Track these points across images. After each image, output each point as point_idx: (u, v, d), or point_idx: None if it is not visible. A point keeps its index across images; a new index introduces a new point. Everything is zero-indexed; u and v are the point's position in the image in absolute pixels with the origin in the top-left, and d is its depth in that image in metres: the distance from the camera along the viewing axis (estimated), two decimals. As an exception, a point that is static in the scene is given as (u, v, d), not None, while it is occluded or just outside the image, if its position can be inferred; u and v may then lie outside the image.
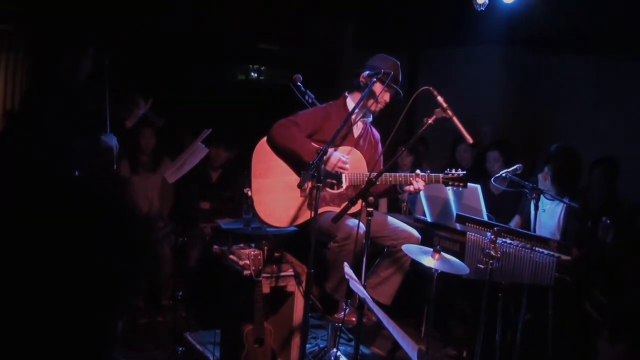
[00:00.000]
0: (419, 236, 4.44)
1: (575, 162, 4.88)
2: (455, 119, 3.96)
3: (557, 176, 4.76)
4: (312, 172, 3.91)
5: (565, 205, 4.77)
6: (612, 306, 4.46)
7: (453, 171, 4.33)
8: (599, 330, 4.48)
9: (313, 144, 4.28)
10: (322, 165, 3.98)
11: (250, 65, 8.67)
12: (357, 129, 4.56)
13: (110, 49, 5.20)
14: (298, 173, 4.38)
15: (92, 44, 4.88)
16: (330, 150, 4.19)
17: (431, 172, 4.34)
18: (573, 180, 4.86)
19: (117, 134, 5.05)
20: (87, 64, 4.86)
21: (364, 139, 4.58)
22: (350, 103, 4.49)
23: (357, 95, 4.46)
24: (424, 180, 4.28)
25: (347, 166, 4.28)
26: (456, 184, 4.30)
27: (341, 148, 4.39)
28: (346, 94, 4.58)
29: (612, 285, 4.52)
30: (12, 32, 6.47)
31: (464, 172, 4.32)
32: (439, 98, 3.96)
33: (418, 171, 4.31)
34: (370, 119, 4.58)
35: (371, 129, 4.66)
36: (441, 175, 4.32)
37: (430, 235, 5.07)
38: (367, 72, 4.40)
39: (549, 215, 4.89)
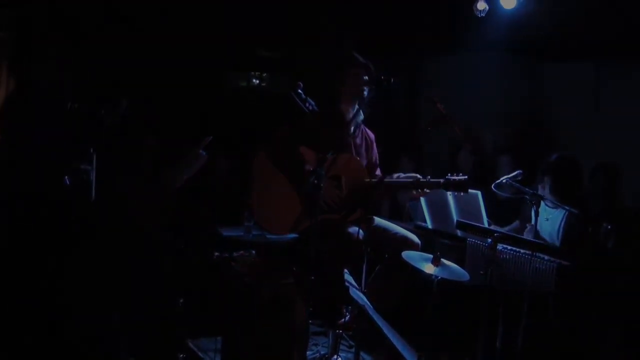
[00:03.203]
0: (419, 242, 4.44)
1: (574, 172, 4.85)
2: (451, 123, 3.97)
3: (556, 187, 4.74)
4: (312, 179, 3.93)
5: (566, 212, 4.76)
6: (616, 311, 4.45)
7: (454, 177, 4.31)
8: (604, 336, 4.47)
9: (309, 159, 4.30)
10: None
11: (252, 72, 8.68)
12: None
13: (109, 58, 5.20)
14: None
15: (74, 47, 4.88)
16: None
17: (432, 178, 4.33)
18: (572, 190, 4.83)
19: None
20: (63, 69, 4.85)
21: (360, 139, 4.57)
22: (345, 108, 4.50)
23: (348, 99, 4.47)
24: (425, 187, 4.26)
25: None
26: (457, 188, 4.28)
27: (341, 156, 4.39)
28: None
29: (613, 291, 4.52)
30: (8, 40, 6.49)
31: (465, 176, 4.30)
32: (439, 105, 3.98)
33: (418, 175, 4.30)
34: (362, 117, 4.55)
35: (365, 130, 4.64)
36: (442, 180, 4.30)
37: (431, 242, 5.07)
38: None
39: (550, 222, 4.88)
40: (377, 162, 4.48)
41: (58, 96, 4.80)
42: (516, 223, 5.34)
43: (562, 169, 4.80)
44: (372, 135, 4.68)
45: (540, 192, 4.80)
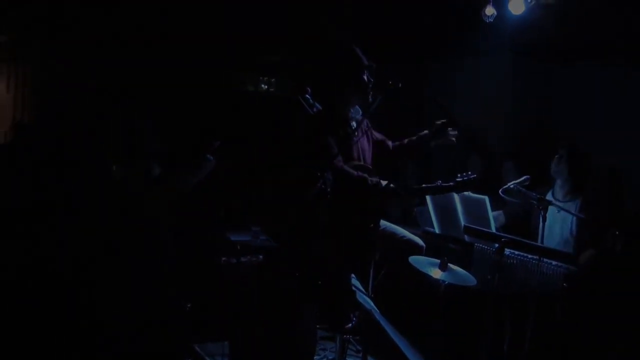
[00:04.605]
0: (424, 244, 4.44)
1: (587, 156, 4.94)
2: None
3: (572, 157, 4.78)
4: (319, 184, 3.93)
5: (577, 206, 4.78)
6: (623, 316, 4.45)
7: (464, 177, 4.32)
8: (611, 341, 4.47)
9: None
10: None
11: (261, 77, 8.68)
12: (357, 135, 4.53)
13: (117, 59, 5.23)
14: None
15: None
16: None
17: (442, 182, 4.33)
18: (586, 165, 4.87)
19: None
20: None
21: (363, 136, 4.55)
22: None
23: (352, 102, 4.47)
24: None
25: None
26: (469, 188, 4.29)
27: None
28: None
29: (620, 295, 4.51)
30: (14, 43, 6.52)
31: (474, 175, 4.31)
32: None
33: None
34: (360, 113, 4.53)
35: (365, 124, 4.61)
36: (452, 183, 4.30)
37: (438, 247, 5.06)
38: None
39: (561, 216, 4.85)
40: (379, 137, 4.51)
41: (67, 98, 4.85)
42: (500, 212, 5.37)
43: (577, 149, 4.88)
44: (365, 123, 4.58)
45: (554, 163, 4.82)
